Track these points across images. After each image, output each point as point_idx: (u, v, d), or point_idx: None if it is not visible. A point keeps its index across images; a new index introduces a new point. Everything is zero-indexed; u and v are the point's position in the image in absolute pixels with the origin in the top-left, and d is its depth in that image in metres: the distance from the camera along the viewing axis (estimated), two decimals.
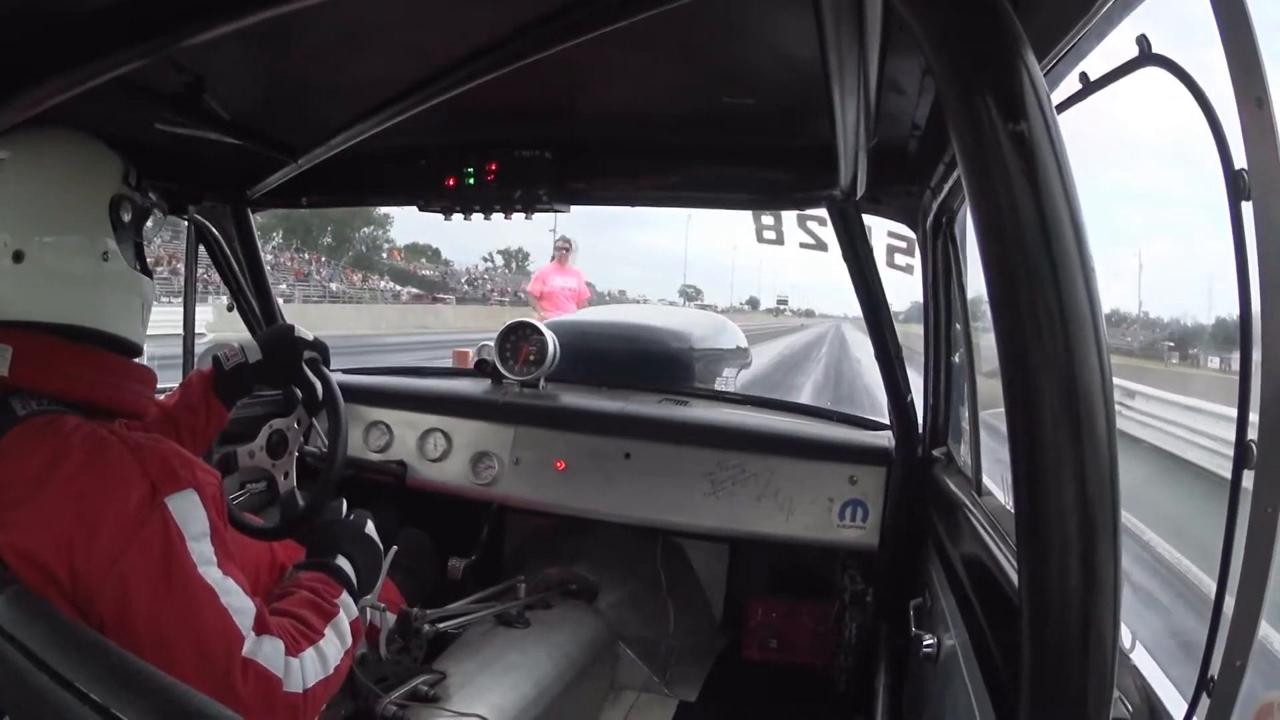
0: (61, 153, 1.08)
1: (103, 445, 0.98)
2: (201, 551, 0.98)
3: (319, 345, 1.60)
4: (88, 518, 0.93)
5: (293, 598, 1.16)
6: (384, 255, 49.49)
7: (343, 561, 1.26)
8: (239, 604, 1.00)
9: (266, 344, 1.56)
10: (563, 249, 6.87)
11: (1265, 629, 0.65)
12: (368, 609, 1.41)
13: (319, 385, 1.57)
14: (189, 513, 0.98)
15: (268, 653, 1.00)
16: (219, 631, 0.97)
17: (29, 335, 1.03)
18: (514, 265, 64.49)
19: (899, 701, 1.76)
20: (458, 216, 1.88)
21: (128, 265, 1.13)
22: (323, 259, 42.04)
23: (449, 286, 47.35)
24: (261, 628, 1.02)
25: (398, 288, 42.23)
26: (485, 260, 64.19)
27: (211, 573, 0.98)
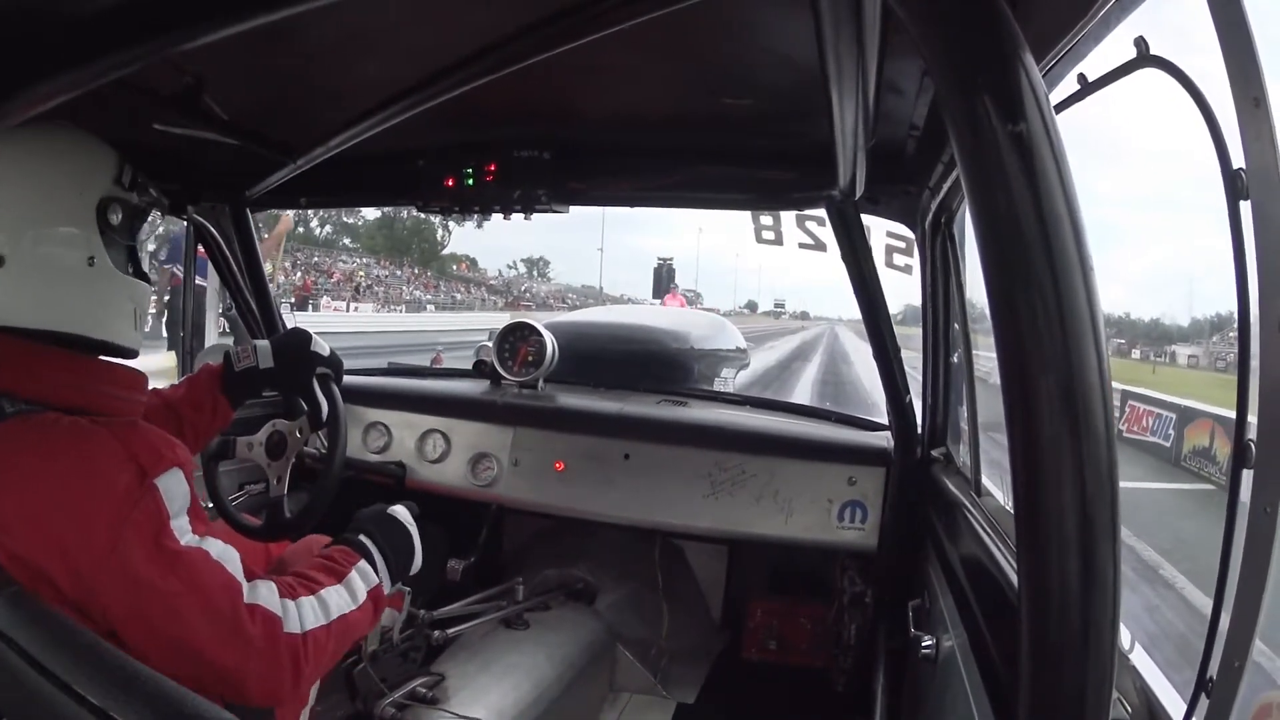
0: (49, 152, 1.05)
1: (86, 435, 0.98)
2: (180, 525, 1.00)
3: (333, 361, 1.54)
4: (79, 511, 0.93)
5: (306, 564, 1.16)
6: (454, 267, 54.12)
7: (365, 539, 1.24)
8: (225, 553, 1.02)
9: (280, 351, 1.51)
10: (674, 284, 25.22)
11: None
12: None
13: (325, 404, 1.52)
14: (174, 489, 0.99)
15: (264, 594, 1.03)
16: (220, 584, 0.99)
17: (10, 340, 1.01)
18: (535, 272, 66.71)
19: (898, 702, 1.76)
20: (456, 217, 1.89)
21: (116, 269, 1.09)
22: (428, 272, 48.25)
23: (514, 294, 53.36)
24: (249, 574, 1.04)
25: (497, 298, 49.22)
26: (510, 267, 66.61)
27: (190, 538, 1.00)
